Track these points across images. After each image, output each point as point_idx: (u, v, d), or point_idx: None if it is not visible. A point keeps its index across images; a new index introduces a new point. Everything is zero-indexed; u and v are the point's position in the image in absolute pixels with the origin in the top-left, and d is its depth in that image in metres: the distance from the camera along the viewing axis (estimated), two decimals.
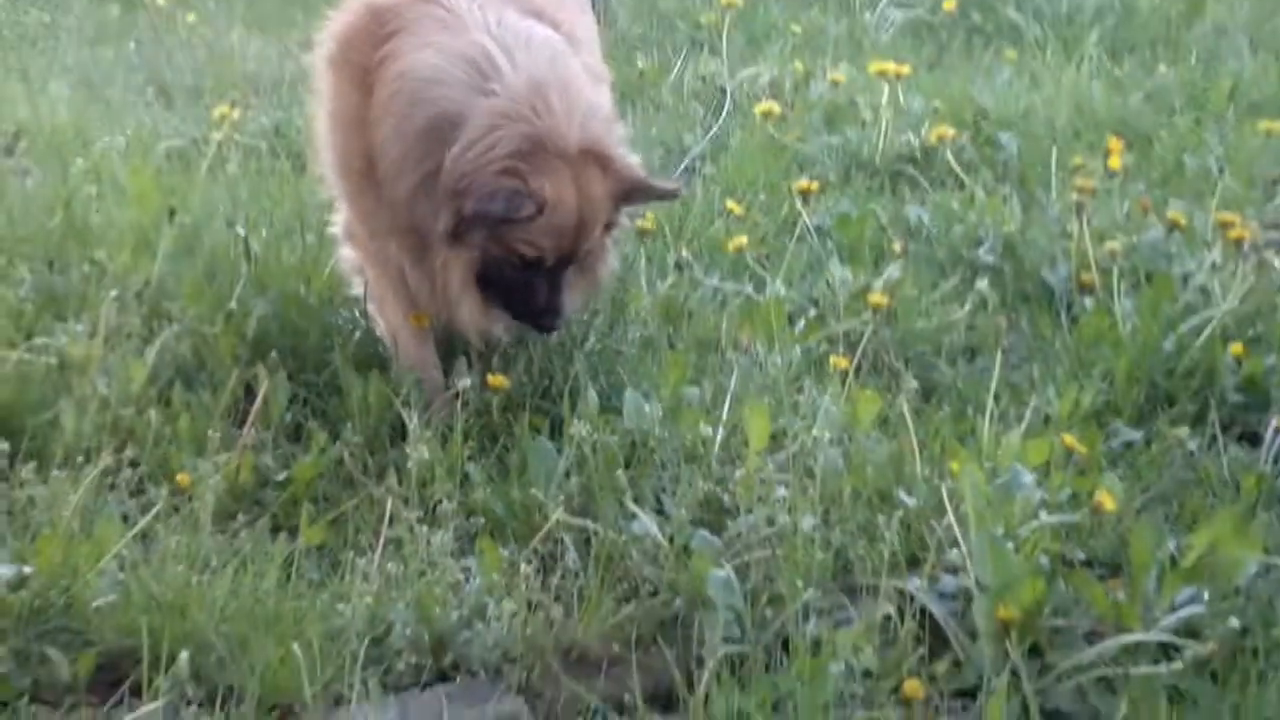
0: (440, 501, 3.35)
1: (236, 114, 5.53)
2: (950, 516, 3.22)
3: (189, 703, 2.78)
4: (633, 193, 3.73)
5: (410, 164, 3.56)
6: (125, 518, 3.28)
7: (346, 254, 4.06)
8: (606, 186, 3.62)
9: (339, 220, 4.07)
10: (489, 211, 3.44)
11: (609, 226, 3.76)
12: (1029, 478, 3.26)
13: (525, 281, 3.63)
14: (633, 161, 3.74)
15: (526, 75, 3.54)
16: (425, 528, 3.21)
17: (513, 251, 3.57)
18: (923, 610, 3.05)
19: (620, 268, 4.28)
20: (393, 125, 3.58)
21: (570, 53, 3.76)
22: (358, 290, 4.06)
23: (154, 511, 3.26)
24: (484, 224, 3.49)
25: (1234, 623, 2.93)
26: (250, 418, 3.66)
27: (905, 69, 6.02)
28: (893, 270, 4.55)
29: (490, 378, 3.72)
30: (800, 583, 3.08)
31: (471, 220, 3.47)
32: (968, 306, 4.46)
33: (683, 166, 5.71)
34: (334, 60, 3.79)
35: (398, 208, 3.64)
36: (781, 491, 3.37)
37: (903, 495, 3.39)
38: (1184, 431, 3.75)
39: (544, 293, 3.64)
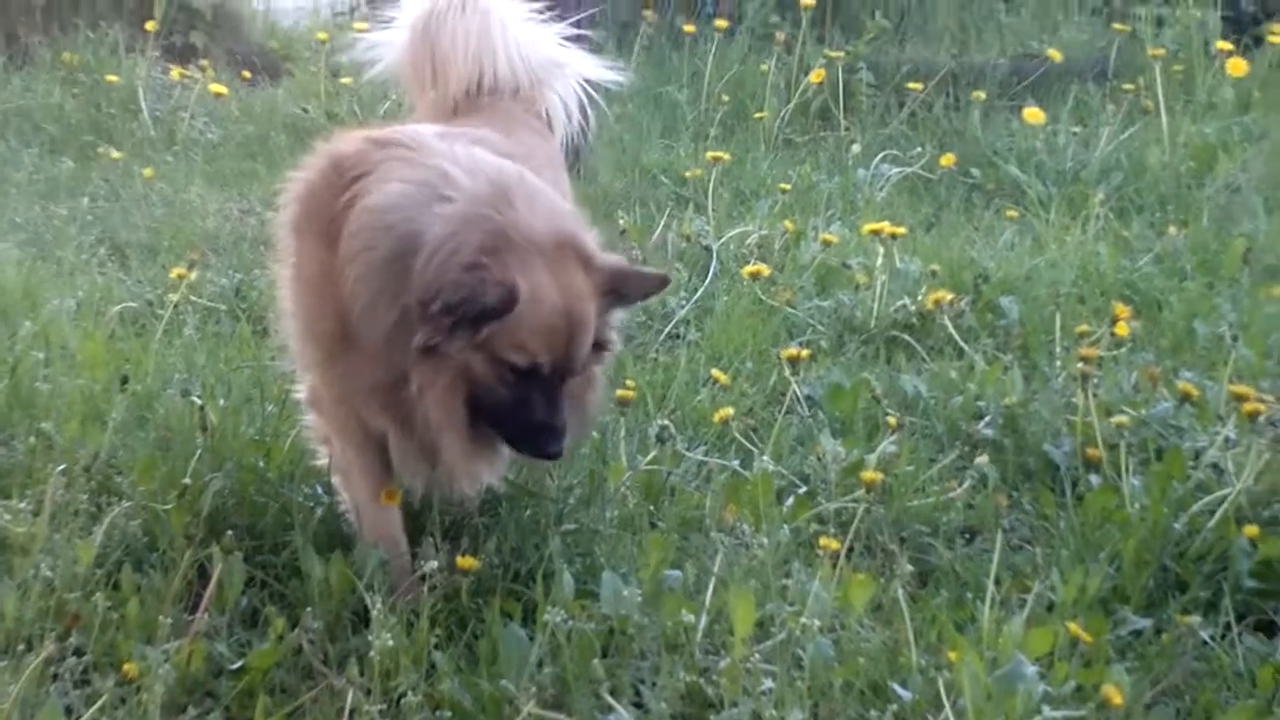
0: (405, 693, 3.36)
1: (194, 274, 5.61)
2: (948, 710, 3.26)
3: None
4: (619, 284, 3.71)
5: (384, 301, 3.56)
6: (69, 710, 3.31)
7: (312, 421, 4.10)
8: (591, 281, 3.62)
9: (304, 386, 4.10)
10: (454, 304, 3.41)
11: (600, 346, 3.76)
12: (1032, 669, 3.30)
13: (520, 399, 3.58)
14: (613, 256, 3.77)
15: (486, 180, 3.59)
16: None
17: (502, 361, 3.54)
18: None
19: (597, 435, 4.34)
20: (361, 264, 3.58)
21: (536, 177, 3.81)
22: (323, 460, 4.10)
23: (99, 704, 3.27)
24: (457, 324, 3.45)
25: None
26: (204, 602, 3.69)
27: (901, 229, 6.15)
28: (887, 445, 4.59)
29: (459, 559, 3.75)
30: None
31: (442, 321, 3.44)
32: (966, 484, 4.51)
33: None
34: (298, 222, 3.85)
35: (377, 358, 3.63)
36: (768, 683, 3.40)
37: (897, 688, 3.42)
38: (1196, 620, 3.73)
39: (541, 408, 3.58)
